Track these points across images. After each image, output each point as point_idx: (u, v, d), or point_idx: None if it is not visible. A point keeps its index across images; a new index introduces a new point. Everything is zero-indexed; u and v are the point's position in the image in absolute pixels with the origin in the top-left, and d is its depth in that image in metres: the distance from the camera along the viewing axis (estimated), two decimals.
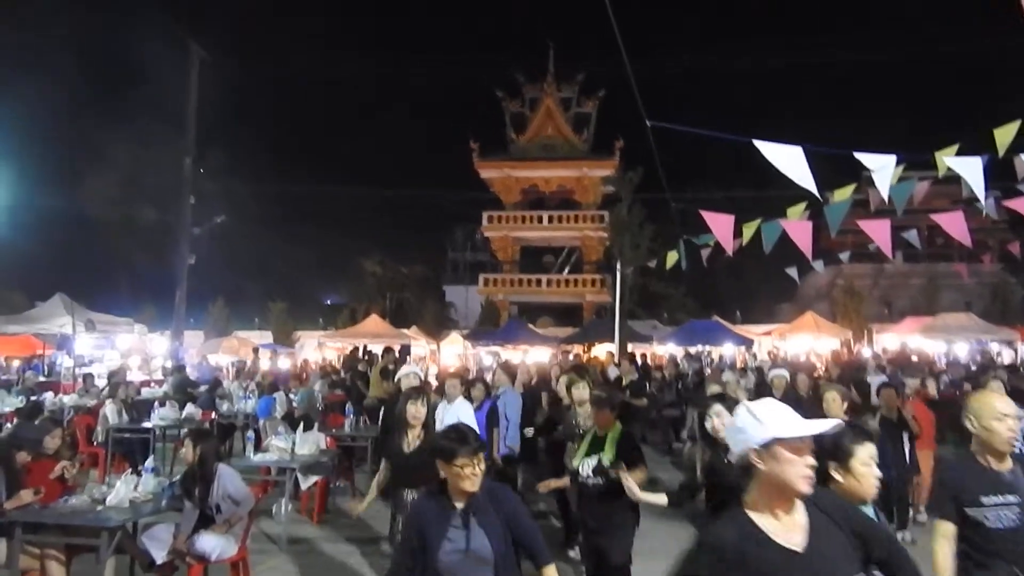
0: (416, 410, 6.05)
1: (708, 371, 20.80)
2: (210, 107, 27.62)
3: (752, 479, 2.47)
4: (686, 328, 27.06)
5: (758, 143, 6.04)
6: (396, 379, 8.76)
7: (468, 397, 8.53)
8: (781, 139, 6.03)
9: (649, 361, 20.52)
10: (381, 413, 9.00)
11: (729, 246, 9.61)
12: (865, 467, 3.02)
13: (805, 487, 2.40)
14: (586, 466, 5.70)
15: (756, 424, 2.46)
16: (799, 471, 2.39)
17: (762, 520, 2.42)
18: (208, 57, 26.53)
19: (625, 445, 5.76)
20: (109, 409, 12.72)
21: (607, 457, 5.66)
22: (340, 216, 48.97)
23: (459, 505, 3.55)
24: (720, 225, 9.37)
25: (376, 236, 48.46)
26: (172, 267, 26.29)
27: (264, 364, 25.06)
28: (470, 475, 3.52)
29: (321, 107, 73.98)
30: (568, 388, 8.08)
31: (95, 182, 32.05)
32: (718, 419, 5.23)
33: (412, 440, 6.00)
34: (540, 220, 44.09)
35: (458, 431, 3.70)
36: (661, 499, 5.07)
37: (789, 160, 6.09)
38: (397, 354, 21.54)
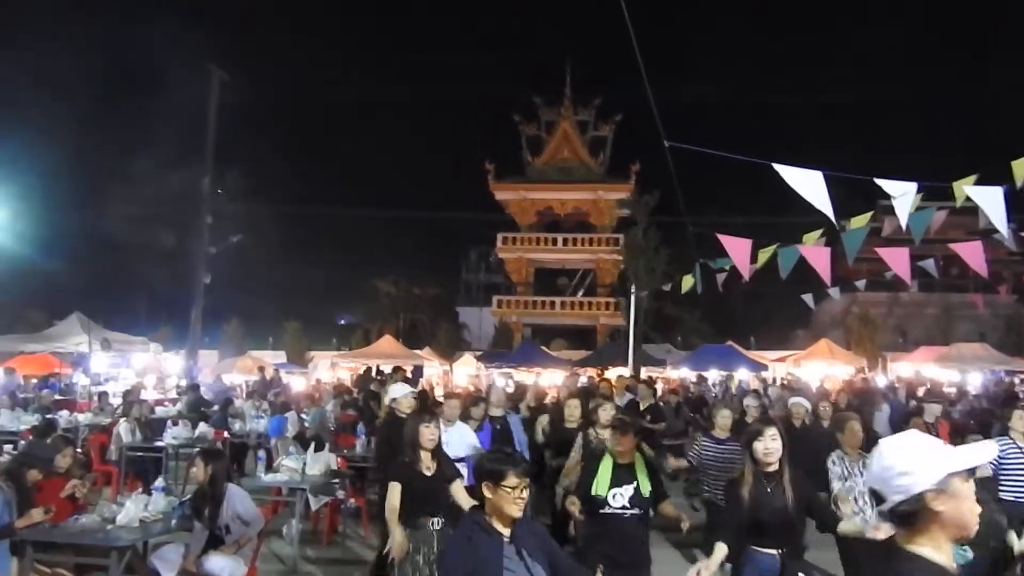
0: (431, 433, 5.72)
1: (716, 395, 20.69)
2: (229, 128, 27.84)
3: (914, 524, 2.15)
4: (700, 353, 26.94)
5: (777, 167, 6.00)
6: (391, 400, 8.11)
7: (463, 418, 8.22)
8: (799, 163, 5.99)
9: (661, 385, 20.33)
10: (380, 434, 8.37)
11: (746, 270, 9.55)
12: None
13: (975, 523, 2.14)
14: (619, 497, 5.38)
15: (930, 461, 2.13)
16: (972, 506, 2.13)
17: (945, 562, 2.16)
18: (228, 77, 26.75)
19: (655, 475, 5.59)
20: (123, 427, 12.71)
21: (645, 487, 5.46)
22: (355, 236, 48.91)
23: (504, 533, 3.40)
24: (737, 249, 9.32)
25: (391, 257, 48.43)
26: (188, 287, 26.38)
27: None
28: (517, 499, 3.38)
29: (338, 129, 74.39)
30: (593, 410, 7.91)
31: (114, 202, 32.29)
32: (773, 442, 4.87)
33: (428, 464, 5.68)
34: (555, 242, 44.10)
35: (504, 451, 3.59)
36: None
37: (808, 184, 6.04)
38: (408, 374, 21.60)
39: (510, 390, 14.40)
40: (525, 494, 3.41)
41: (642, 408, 14.01)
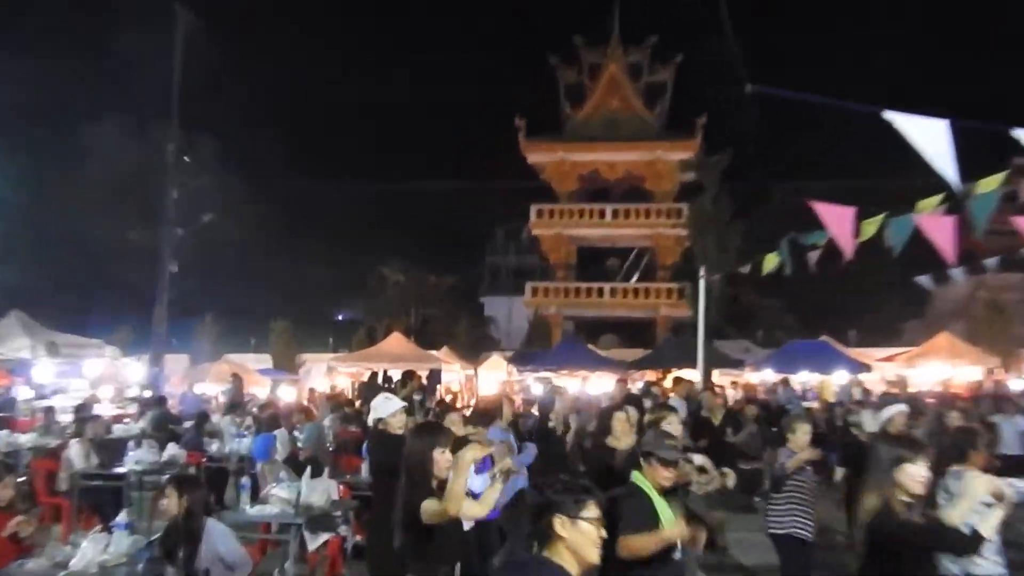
0: (447, 460, 5.48)
1: (793, 405, 20.49)
2: (199, 84, 28.03)
3: None
4: (786, 351, 26.87)
5: (889, 114, 5.89)
6: (376, 420, 7.70)
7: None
8: (916, 111, 5.88)
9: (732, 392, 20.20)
10: (373, 459, 8.03)
11: (848, 246, 9.41)
12: None
13: None
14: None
15: None
16: None
17: None
18: (197, 21, 26.90)
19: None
20: (75, 451, 12.81)
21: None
22: (355, 215, 49.07)
23: None
24: (836, 220, 9.19)
25: (399, 238, 48.53)
26: (151, 277, 26.63)
27: (257, 392, 25.18)
28: (598, 539, 3.41)
29: (334, 82, 74.50)
30: (653, 424, 7.72)
31: (59, 175, 32.67)
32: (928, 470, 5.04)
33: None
34: (602, 215, 44.04)
35: (571, 479, 3.60)
36: None
37: (927, 137, 5.92)
38: (424, 380, 21.59)
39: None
40: (604, 533, 3.43)
41: (717, 422, 13.92)
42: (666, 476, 5.57)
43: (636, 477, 5.65)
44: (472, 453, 5.12)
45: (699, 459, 7.24)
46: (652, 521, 5.37)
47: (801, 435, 7.98)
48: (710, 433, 13.13)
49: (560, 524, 3.40)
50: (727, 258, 28.59)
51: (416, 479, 5.38)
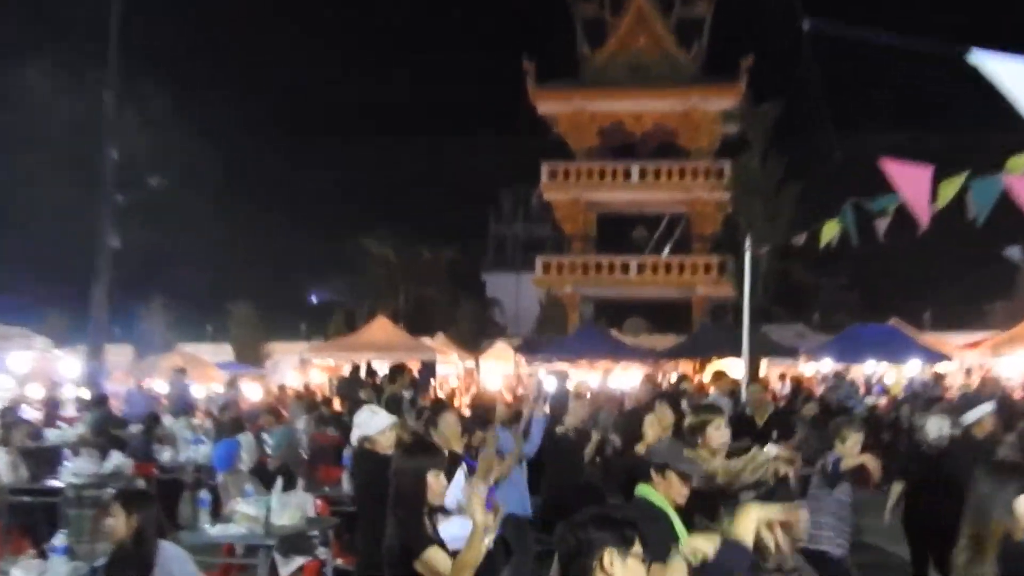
0: (441, 485, 5.61)
1: (854, 402, 20.51)
2: (144, 17, 27.94)
3: None
4: (848, 336, 26.83)
5: (976, 55, 5.86)
6: (361, 438, 7.61)
7: None
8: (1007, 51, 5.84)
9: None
10: (358, 482, 8.07)
11: (924, 213, 9.37)
12: None
13: None
14: None
15: None
16: None
17: None
18: None
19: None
20: (0, 461, 12.89)
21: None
22: (333, 177, 48.99)
23: None
24: (909, 181, 9.13)
25: (385, 206, 48.50)
26: (88, 254, 26.61)
27: (201, 392, 25.19)
28: None
29: (307, 18, 74.20)
30: (697, 428, 7.63)
31: None
32: None
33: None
34: (627, 175, 44.08)
35: (607, 508, 3.73)
36: None
37: (1019, 82, 5.90)
38: (416, 374, 21.62)
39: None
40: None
41: (762, 423, 13.88)
42: (684, 493, 5.58)
43: (647, 492, 5.63)
44: (480, 501, 5.09)
45: (774, 449, 7.21)
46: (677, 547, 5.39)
47: (852, 445, 8.06)
48: (751, 436, 13.09)
49: (609, 560, 3.44)
50: (777, 227, 28.54)
51: (406, 507, 5.40)
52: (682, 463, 5.64)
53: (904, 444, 12.31)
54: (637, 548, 3.45)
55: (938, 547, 9.25)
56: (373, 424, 7.50)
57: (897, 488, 10.36)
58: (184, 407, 19.83)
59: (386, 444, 7.39)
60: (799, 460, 7.38)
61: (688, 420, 8.04)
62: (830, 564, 7.95)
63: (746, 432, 13.17)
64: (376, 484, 6.25)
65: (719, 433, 7.13)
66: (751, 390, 15.45)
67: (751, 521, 4.27)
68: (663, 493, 5.59)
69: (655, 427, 8.38)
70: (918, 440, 10.97)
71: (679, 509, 5.63)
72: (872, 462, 8.08)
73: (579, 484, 9.78)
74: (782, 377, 27.21)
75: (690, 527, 5.65)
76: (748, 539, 4.17)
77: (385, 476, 5.72)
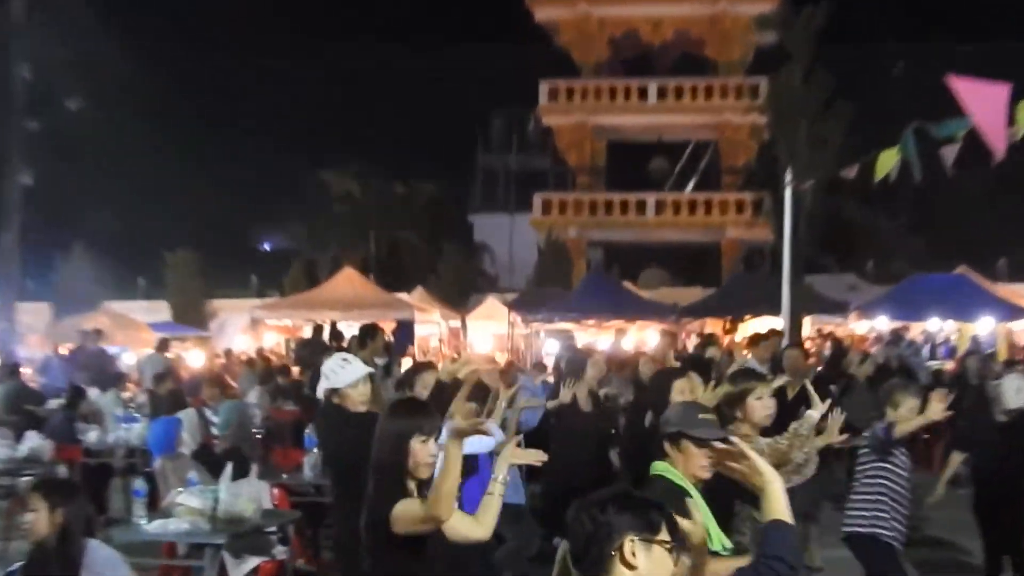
0: (428, 452, 5.39)
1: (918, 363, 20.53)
2: None
3: None
4: (908, 288, 26.89)
5: None
6: (328, 391, 7.57)
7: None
8: None
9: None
10: (326, 449, 8.27)
11: (1000, 140, 9.36)
12: None
13: None
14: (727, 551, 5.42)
15: None
16: None
17: None
18: None
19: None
20: None
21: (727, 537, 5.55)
22: (289, 99, 48.80)
23: None
24: (982, 102, 9.12)
25: (351, 131, 48.35)
26: None
27: (130, 359, 25.24)
28: (674, 571, 3.51)
29: None
30: (737, 399, 7.46)
31: None
32: None
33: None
34: (643, 95, 44.05)
35: (626, 490, 3.70)
36: None
37: None
38: (391, 337, 21.61)
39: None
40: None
41: (792, 395, 13.80)
42: (703, 465, 5.37)
43: (663, 469, 5.53)
44: (464, 427, 5.13)
45: (815, 414, 7.13)
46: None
47: (905, 411, 8.13)
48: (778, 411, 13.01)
49: (631, 549, 3.43)
50: (824, 157, 28.53)
51: (387, 478, 5.32)
52: (697, 427, 5.45)
53: (969, 408, 12.06)
54: (664, 535, 3.43)
55: (1017, 536, 9.34)
56: (343, 375, 7.43)
57: (956, 459, 10.36)
58: (111, 378, 19.75)
59: (358, 399, 7.37)
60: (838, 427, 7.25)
61: (724, 389, 7.78)
62: (878, 551, 8.00)
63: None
64: (349, 449, 6.33)
65: (761, 404, 6.97)
66: (788, 355, 15.29)
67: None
68: (681, 469, 5.47)
69: (687, 397, 8.28)
70: (988, 404, 10.96)
71: (710, 490, 5.48)
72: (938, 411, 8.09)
73: (591, 468, 9.76)
74: (825, 337, 27.22)
75: (729, 516, 5.67)
76: (786, 515, 4.09)
77: (360, 439, 5.70)
